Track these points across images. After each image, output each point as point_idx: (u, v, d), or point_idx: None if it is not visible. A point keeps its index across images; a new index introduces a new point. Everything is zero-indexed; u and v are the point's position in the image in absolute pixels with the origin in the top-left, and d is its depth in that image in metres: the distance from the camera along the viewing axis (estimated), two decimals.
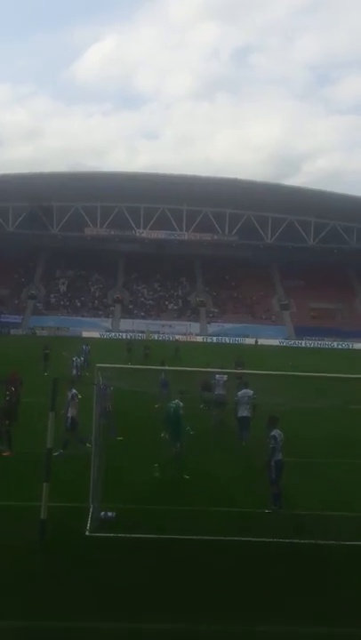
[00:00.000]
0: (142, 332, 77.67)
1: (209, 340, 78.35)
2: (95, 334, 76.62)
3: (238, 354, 32.38)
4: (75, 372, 29.53)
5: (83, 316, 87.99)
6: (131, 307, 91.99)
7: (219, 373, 21.60)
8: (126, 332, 78.12)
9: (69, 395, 17.54)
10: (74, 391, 17.77)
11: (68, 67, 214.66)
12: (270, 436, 12.89)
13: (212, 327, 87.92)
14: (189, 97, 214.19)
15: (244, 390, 18.67)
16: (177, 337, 71.38)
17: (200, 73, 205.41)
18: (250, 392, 18.63)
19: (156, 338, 73.38)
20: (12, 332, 79.38)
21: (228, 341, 76.89)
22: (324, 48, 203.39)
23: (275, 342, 77.99)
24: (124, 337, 68.23)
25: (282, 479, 12.75)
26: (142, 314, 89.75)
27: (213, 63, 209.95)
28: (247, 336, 78.60)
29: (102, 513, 11.74)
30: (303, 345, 78.87)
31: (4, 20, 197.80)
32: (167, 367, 26.51)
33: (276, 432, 12.90)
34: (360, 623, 8.54)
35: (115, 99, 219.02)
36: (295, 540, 11.24)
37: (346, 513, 12.60)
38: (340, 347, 77.91)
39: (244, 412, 18.43)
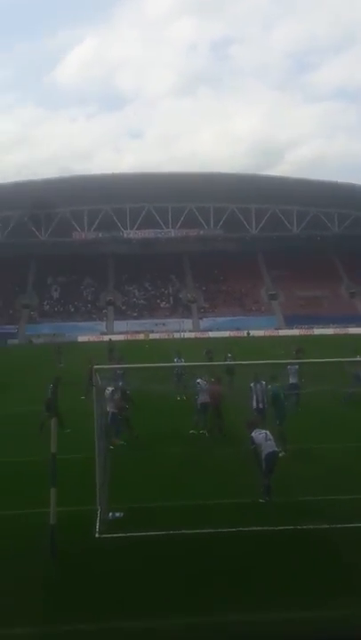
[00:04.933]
0: (136, 332, 78.26)
1: (202, 336, 78.68)
2: (91, 338, 76.80)
3: (207, 347, 33.72)
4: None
5: (77, 320, 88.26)
6: (123, 308, 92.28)
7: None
8: (120, 333, 78.40)
9: (108, 392, 18.27)
10: (111, 388, 18.60)
11: (51, 72, 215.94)
12: (250, 437, 13.36)
13: (205, 322, 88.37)
14: (172, 93, 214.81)
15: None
16: (110, 337, 66.65)
17: (181, 69, 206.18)
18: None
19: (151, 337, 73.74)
20: (9, 342, 79.53)
21: (221, 335, 77.09)
22: (301, 35, 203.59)
23: (267, 333, 78.42)
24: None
25: (272, 472, 13.04)
26: (135, 314, 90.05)
27: (193, 58, 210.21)
28: (239, 328, 78.95)
29: (110, 514, 12.07)
30: (296, 333, 79.19)
31: None
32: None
33: (254, 433, 13.27)
34: None
35: (98, 100, 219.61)
36: (298, 527, 11.61)
37: (344, 496, 12.98)
38: (328, 333, 78.29)
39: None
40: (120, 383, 19.65)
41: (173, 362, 26.10)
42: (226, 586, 9.45)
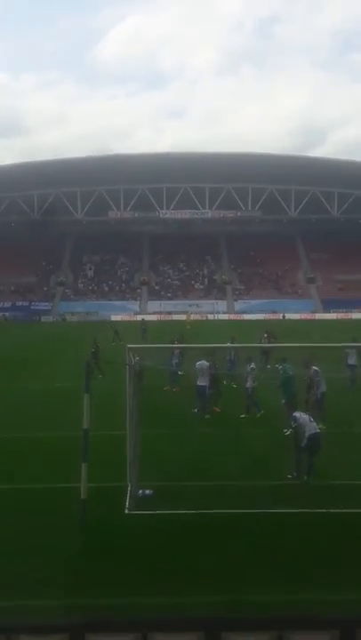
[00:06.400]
0: (169, 312, 78.39)
1: (237, 318, 78.27)
2: (125, 317, 77.10)
3: (266, 329, 33.14)
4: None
5: (111, 299, 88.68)
6: (157, 288, 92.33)
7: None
8: (154, 313, 78.55)
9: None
10: (207, 364, 19.74)
11: (92, 50, 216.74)
12: (291, 417, 13.61)
13: (239, 304, 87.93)
14: (214, 72, 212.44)
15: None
16: (143, 317, 65.49)
17: (224, 47, 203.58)
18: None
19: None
20: (43, 319, 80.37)
21: (255, 318, 76.60)
22: (349, 14, 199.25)
23: (303, 316, 77.60)
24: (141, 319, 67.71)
25: (316, 453, 12.95)
26: (169, 294, 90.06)
27: (237, 36, 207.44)
28: (275, 311, 78.40)
29: (140, 491, 12.07)
30: (333, 317, 78.20)
31: (26, 7, 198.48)
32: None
33: (297, 413, 13.54)
34: None
35: (139, 79, 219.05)
36: (330, 510, 11.43)
37: None
38: None
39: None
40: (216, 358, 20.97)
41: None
42: (254, 566, 9.38)
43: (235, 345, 25.68)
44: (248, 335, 36.70)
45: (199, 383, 19.61)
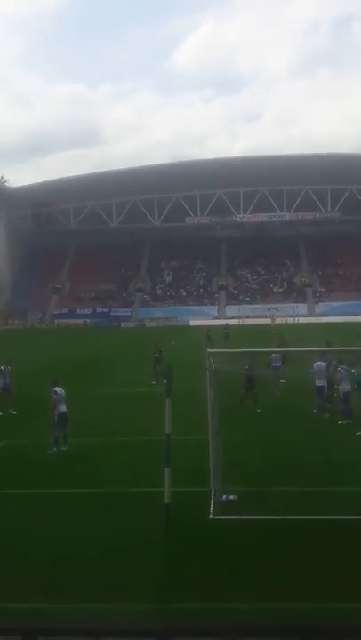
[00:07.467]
0: (248, 316, 77.93)
1: (318, 321, 76.82)
2: (203, 322, 77.07)
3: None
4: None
5: (188, 305, 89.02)
6: (236, 292, 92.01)
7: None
8: (233, 317, 78.22)
9: (320, 365, 19.94)
10: (324, 363, 20.07)
11: (167, 58, 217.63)
12: None
13: (320, 307, 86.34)
14: (289, 74, 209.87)
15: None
16: (226, 321, 61.71)
17: (299, 49, 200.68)
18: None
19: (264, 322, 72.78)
20: (123, 324, 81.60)
21: (337, 321, 74.97)
22: None
23: None
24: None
25: None
26: (248, 299, 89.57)
27: (313, 37, 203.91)
28: (356, 314, 76.48)
29: (224, 496, 12.00)
30: None
31: (102, 19, 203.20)
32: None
33: None
34: None
35: (214, 84, 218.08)
36: None
37: None
38: None
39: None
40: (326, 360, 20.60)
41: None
42: (340, 573, 9.15)
43: (330, 349, 24.76)
44: (339, 339, 35.92)
45: (318, 384, 19.83)
